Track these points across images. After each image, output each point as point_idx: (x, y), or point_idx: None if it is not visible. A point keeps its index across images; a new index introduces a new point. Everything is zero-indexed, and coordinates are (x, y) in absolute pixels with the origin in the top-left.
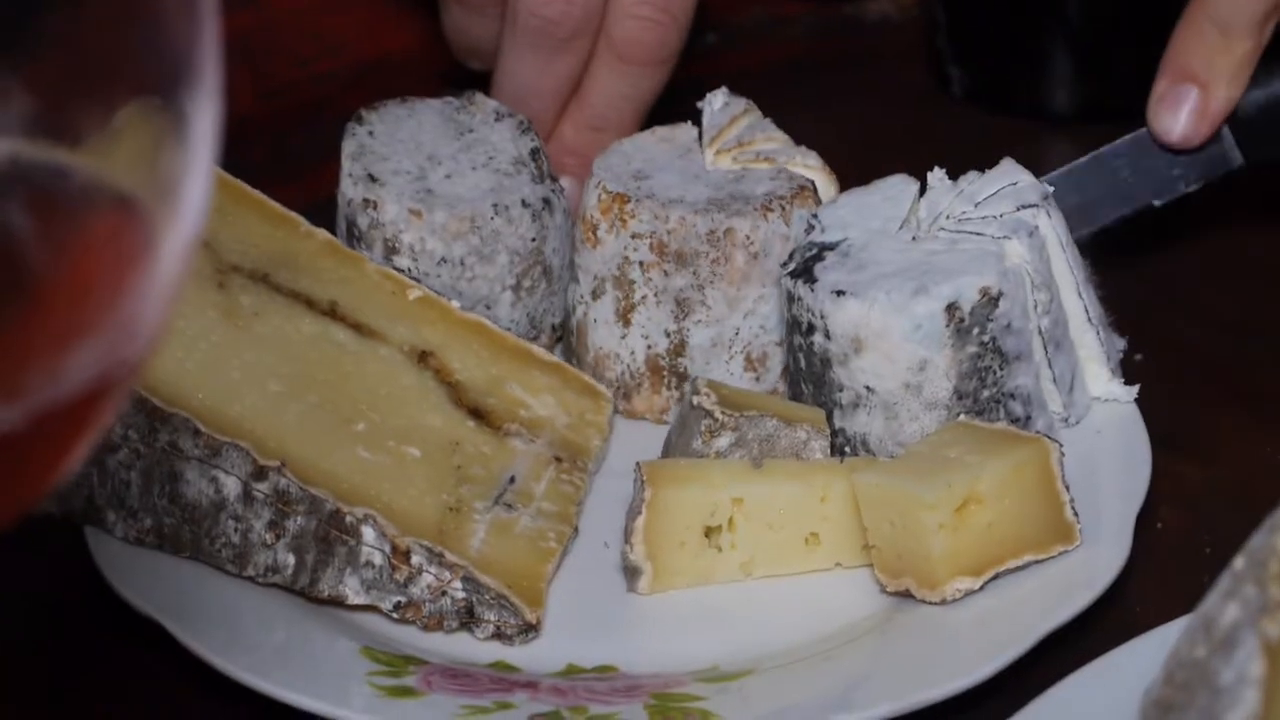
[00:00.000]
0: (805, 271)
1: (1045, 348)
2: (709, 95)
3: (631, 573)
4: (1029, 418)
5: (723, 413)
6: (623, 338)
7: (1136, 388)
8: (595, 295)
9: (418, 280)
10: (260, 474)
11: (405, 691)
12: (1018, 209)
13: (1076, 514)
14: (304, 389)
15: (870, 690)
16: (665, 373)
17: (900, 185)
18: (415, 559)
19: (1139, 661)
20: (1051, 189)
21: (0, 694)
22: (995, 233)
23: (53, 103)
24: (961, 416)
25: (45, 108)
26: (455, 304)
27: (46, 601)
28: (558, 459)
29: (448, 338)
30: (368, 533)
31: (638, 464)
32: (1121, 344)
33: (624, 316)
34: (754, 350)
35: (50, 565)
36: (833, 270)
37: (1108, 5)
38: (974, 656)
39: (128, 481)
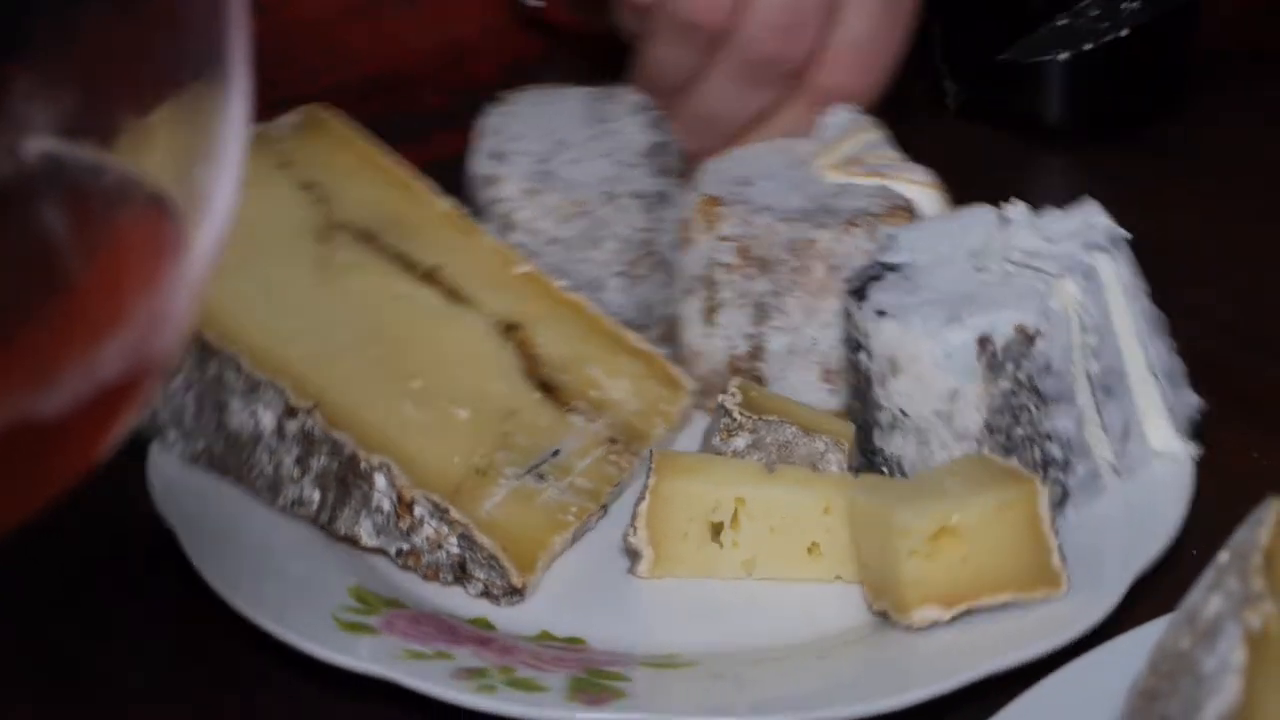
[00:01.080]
0: (860, 289)
1: (1093, 393)
2: (831, 110)
3: (632, 555)
4: (1067, 462)
5: (741, 413)
6: (707, 337)
7: (1196, 446)
8: (686, 293)
9: (532, 257)
10: (291, 413)
11: (361, 628)
12: (1083, 249)
13: (1065, 560)
14: (370, 342)
15: (800, 697)
16: (744, 375)
17: (980, 215)
18: (418, 510)
19: (1124, 659)
20: (1127, 235)
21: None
22: (1051, 270)
23: (86, 101)
24: (985, 450)
25: (79, 106)
26: (561, 283)
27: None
28: (612, 440)
29: (542, 313)
30: (379, 480)
31: (650, 450)
32: (1195, 402)
33: (709, 316)
34: (830, 362)
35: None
36: (885, 290)
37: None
38: (926, 677)
39: (184, 404)
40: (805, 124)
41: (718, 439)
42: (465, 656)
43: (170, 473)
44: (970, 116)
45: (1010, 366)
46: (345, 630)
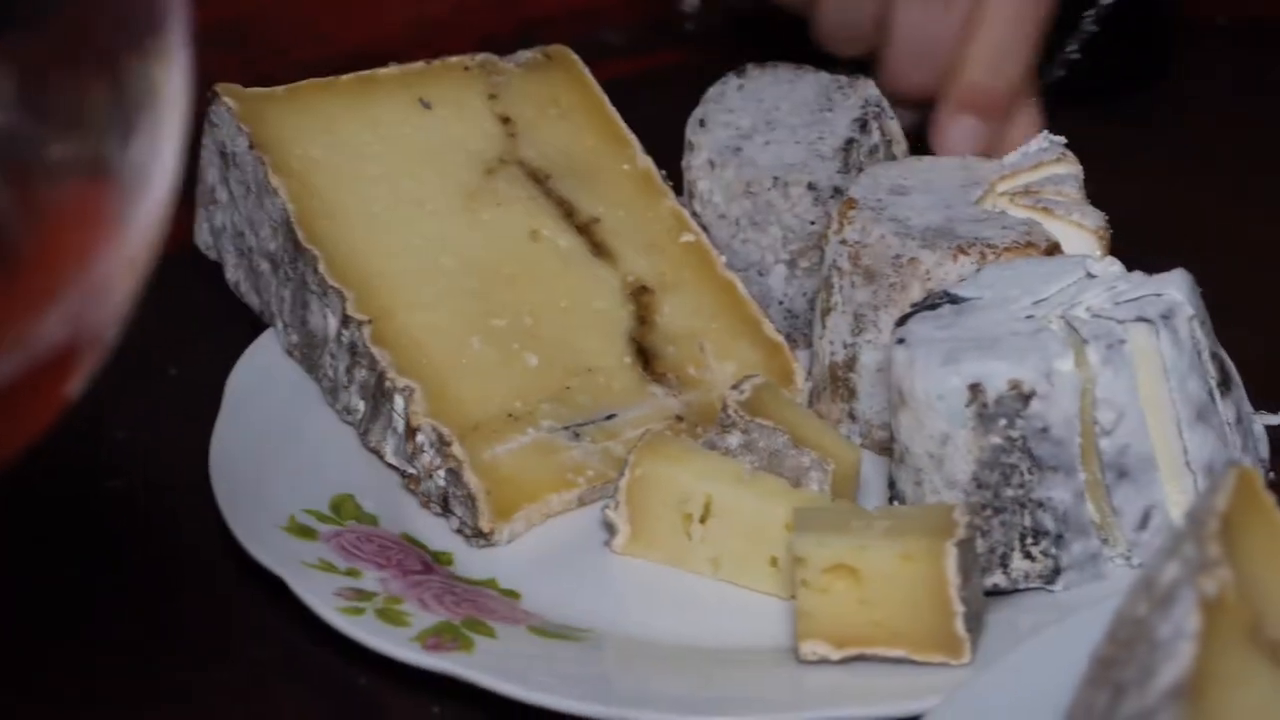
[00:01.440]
0: (909, 314)
1: (1101, 471)
2: (1033, 138)
3: (609, 528)
4: (1060, 536)
5: (737, 412)
6: (819, 338)
7: None
8: (818, 290)
9: (706, 229)
10: (346, 322)
11: (306, 532)
12: (1130, 319)
13: (975, 629)
14: (472, 274)
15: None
16: (840, 384)
17: (1069, 265)
18: (420, 438)
19: (1085, 632)
20: (1191, 314)
21: None
22: (1081, 334)
23: (25, 75)
24: (970, 501)
25: (17, 80)
26: (722, 259)
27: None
28: (679, 418)
29: (685, 284)
30: (398, 402)
31: (647, 429)
32: None
33: (823, 318)
34: None
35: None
36: (927, 320)
37: None
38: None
39: (283, 297)
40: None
41: (715, 432)
42: (371, 580)
43: (263, 359)
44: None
45: (1003, 422)
46: (288, 531)
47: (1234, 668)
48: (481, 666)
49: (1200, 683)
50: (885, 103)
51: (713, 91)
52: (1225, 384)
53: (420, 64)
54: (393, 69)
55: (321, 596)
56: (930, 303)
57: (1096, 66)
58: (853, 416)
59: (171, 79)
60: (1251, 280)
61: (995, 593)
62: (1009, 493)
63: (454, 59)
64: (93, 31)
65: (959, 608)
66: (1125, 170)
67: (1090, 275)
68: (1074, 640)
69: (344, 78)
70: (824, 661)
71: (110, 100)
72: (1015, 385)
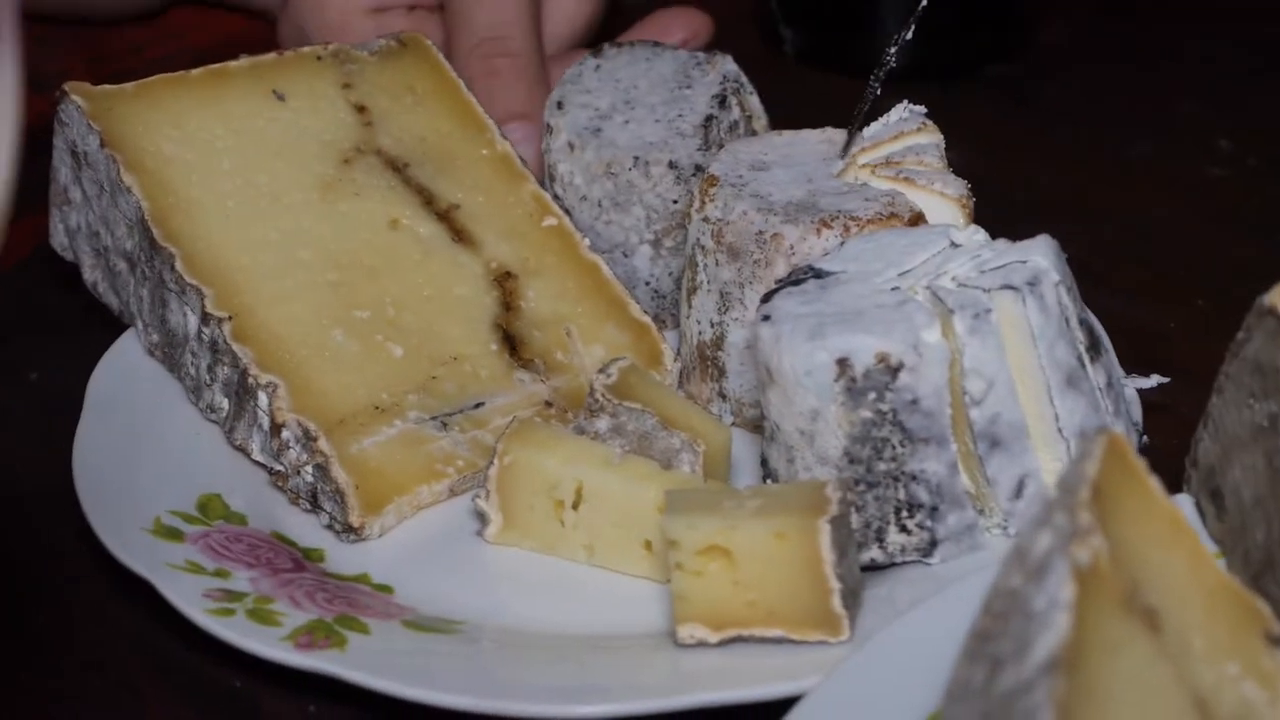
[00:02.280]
0: (774, 291)
1: (973, 442)
2: (896, 107)
3: (481, 518)
4: (935, 508)
5: (604, 396)
6: (686, 318)
7: None
8: (683, 269)
9: (568, 211)
10: (205, 320)
11: (172, 534)
12: (994, 287)
13: (852, 606)
14: (332, 266)
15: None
16: (709, 363)
17: (935, 235)
18: (285, 434)
19: (964, 604)
20: (1057, 280)
21: None
22: (947, 304)
23: None
24: (843, 477)
25: None
26: (585, 242)
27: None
28: (548, 404)
29: (548, 268)
30: (262, 399)
31: (514, 417)
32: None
33: (688, 298)
34: None
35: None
36: (791, 296)
37: None
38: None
39: (141, 296)
40: None
41: (583, 417)
42: (241, 580)
43: (124, 360)
44: (809, 62)
45: (872, 396)
46: (154, 534)
47: (1110, 636)
48: (355, 664)
49: (1077, 652)
50: (744, 78)
51: (570, 73)
52: (1095, 349)
53: (272, 55)
54: (244, 61)
55: (190, 598)
56: (795, 278)
57: (953, 41)
58: (723, 395)
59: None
60: (1113, 244)
61: (872, 568)
62: (882, 466)
63: (306, 49)
64: None
65: (835, 585)
66: (986, 143)
67: (954, 245)
68: (953, 612)
69: (195, 72)
70: (702, 645)
71: None
72: (883, 358)
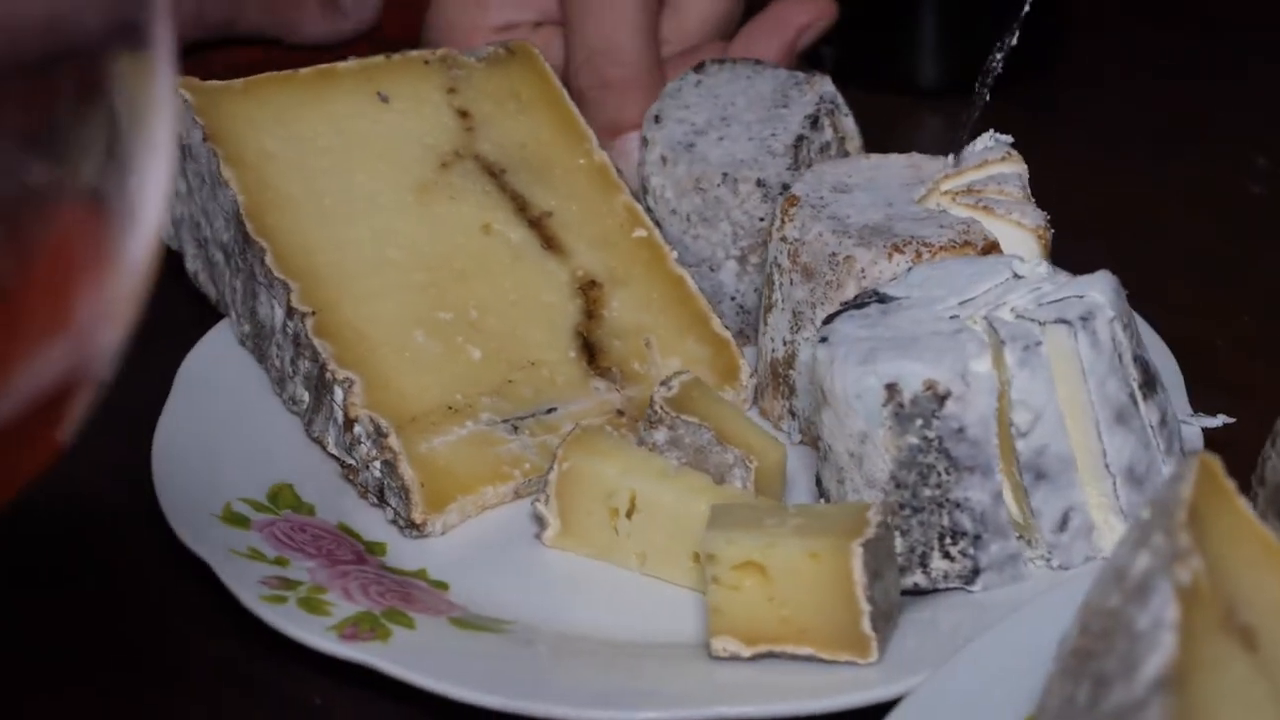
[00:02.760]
0: (839, 313)
1: (1019, 472)
2: (982, 135)
3: (540, 521)
4: (979, 537)
5: (663, 409)
6: (763, 334)
7: None
8: (765, 286)
9: (659, 224)
10: (290, 314)
11: (239, 521)
12: (1050, 321)
13: (883, 628)
14: (421, 266)
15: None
16: (781, 381)
17: (997, 265)
18: (358, 429)
19: (1045, 623)
20: (1112, 316)
21: None
22: (1000, 335)
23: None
24: (889, 501)
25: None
26: (673, 254)
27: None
28: (619, 413)
29: (635, 279)
30: (338, 394)
31: (576, 424)
32: None
33: (765, 315)
34: None
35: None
36: (853, 320)
37: None
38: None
39: (235, 287)
40: None
41: (643, 428)
42: (299, 570)
43: (216, 348)
44: (846, 78)
45: (919, 423)
46: (222, 519)
47: (1212, 655)
48: (394, 657)
49: (1182, 672)
50: (840, 99)
51: (670, 88)
52: (1149, 386)
53: (380, 58)
54: (352, 63)
55: (245, 584)
56: (859, 301)
57: (989, 52)
58: (793, 413)
59: (160, 103)
60: (1152, 260)
61: (915, 592)
62: (927, 492)
63: (415, 53)
64: (79, 59)
65: (865, 607)
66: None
67: (1017, 276)
68: (1020, 635)
69: (303, 71)
70: (734, 658)
71: (100, 128)
72: (930, 386)
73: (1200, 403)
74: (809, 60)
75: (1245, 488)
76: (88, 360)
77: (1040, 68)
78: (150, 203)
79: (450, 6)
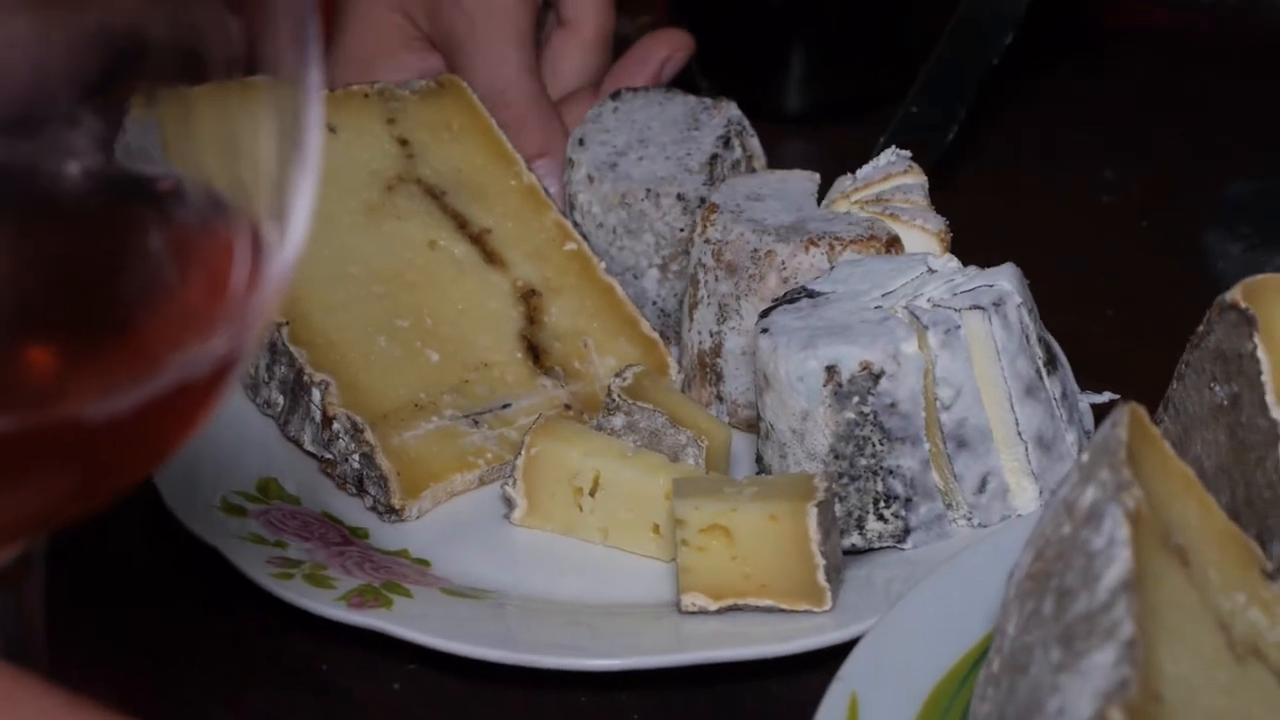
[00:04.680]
0: (775, 307)
1: (943, 441)
2: (885, 152)
3: (508, 502)
4: (909, 500)
5: (620, 397)
6: (688, 331)
7: None
8: (687, 288)
9: (586, 237)
10: None
11: (236, 510)
12: (966, 307)
13: (833, 580)
14: (377, 280)
15: (547, 642)
16: (708, 369)
17: (913, 261)
18: (336, 426)
19: (966, 571)
20: (1019, 302)
21: None
22: (923, 321)
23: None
24: (828, 470)
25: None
26: (601, 264)
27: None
28: (566, 406)
29: (568, 288)
30: (315, 395)
31: (540, 415)
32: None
33: (690, 312)
34: None
35: None
36: (788, 312)
37: (835, 18)
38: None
39: None
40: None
41: (601, 415)
42: (297, 551)
43: None
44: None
45: (855, 399)
46: (221, 510)
47: (1156, 569)
48: (400, 621)
49: (1136, 581)
50: (746, 122)
51: (591, 114)
52: (1052, 364)
53: (324, 92)
54: None
55: (255, 565)
56: (790, 297)
57: (851, 83)
58: (720, 398)
59: (314, 125)
60: (1026, 260)
61: (852, 552)
62: (863, 462)
63: (355, 87)
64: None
65: (820, 561)
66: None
67: (931, 270)
68: (953, 581)
69: None
70: (703, 611)
71: (255, 147)
72: (866, 366)
73: (1082, 384)
74: (690, 90)
75: None
76: (247, 339)
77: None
78: (302, 216)
79: (339, 70)
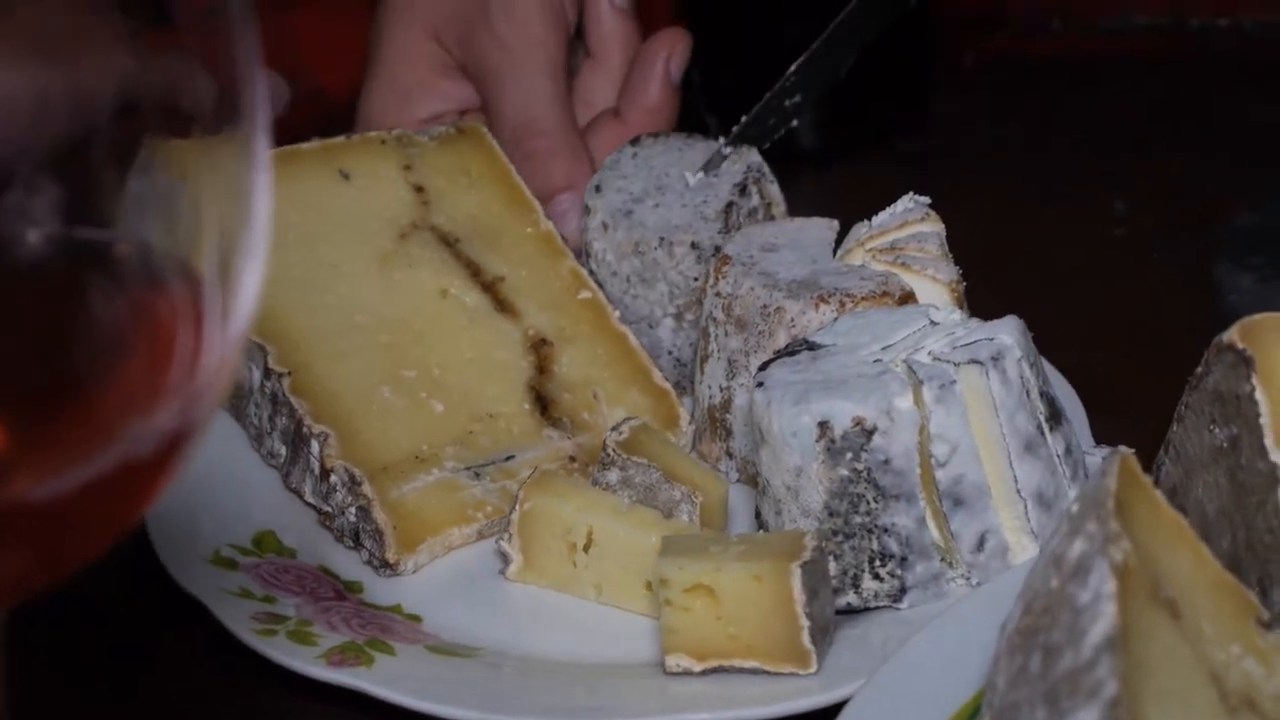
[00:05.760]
0: (773, 360)
1: (939, 499)
2: (902, 198)
3: (503, 557)
4: (905, 558)
5: (615, 451)
6: (699, 383)
7: None
8: (700, 339)
9: (601, 285)
10: (268, 374)
11: (227, 563)
12: (964, 362)
13: (820, 642)
14: (384, 329)
15: (536, 703)
16: (719, 424)
17: (915, 314)
18: (333, 478)
19: (976, 616)
20: (1020, 356)
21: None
22: (919, 375)
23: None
24: (823, 529)
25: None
26: (616, 313)
27: None
28: (571, 459)
29: (581, 337)
30: (314, 446)
31: (535, 468)
32: None
33: (701, 365)
34: None
35: None
36: (786, 365)
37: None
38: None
39: None
40: None
41: (596, 469)
42: (287, 606)
43: None
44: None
45: (849, 455)
46: (212, 563)
47: (1145, 623)
48: (379, 680)
49: (1122, 637)
50: (766, 169)
51: (609, 160)
52: (1055, 419)
53: (342, 138)
54: (314, 144)
55: (238, 620)
56: (790, 350)
57: (860, 119)
58: (730, 454)
59: (260, 181)
60: (1034, 300)
61: (848, 611)
62: (857, 519)
63: (373, 134)
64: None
65: (805, 623)
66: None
67: (933, 323)
68: (942, 638)
69: (270, 152)
70: (687, 673)
71: (200, 210)
72: (859, 421)
73: (1091, 423)
74: (699, 127)
75: None
76: (201, 411)
77: (909, 128)
78: (252, 283)
79: (377, 101)
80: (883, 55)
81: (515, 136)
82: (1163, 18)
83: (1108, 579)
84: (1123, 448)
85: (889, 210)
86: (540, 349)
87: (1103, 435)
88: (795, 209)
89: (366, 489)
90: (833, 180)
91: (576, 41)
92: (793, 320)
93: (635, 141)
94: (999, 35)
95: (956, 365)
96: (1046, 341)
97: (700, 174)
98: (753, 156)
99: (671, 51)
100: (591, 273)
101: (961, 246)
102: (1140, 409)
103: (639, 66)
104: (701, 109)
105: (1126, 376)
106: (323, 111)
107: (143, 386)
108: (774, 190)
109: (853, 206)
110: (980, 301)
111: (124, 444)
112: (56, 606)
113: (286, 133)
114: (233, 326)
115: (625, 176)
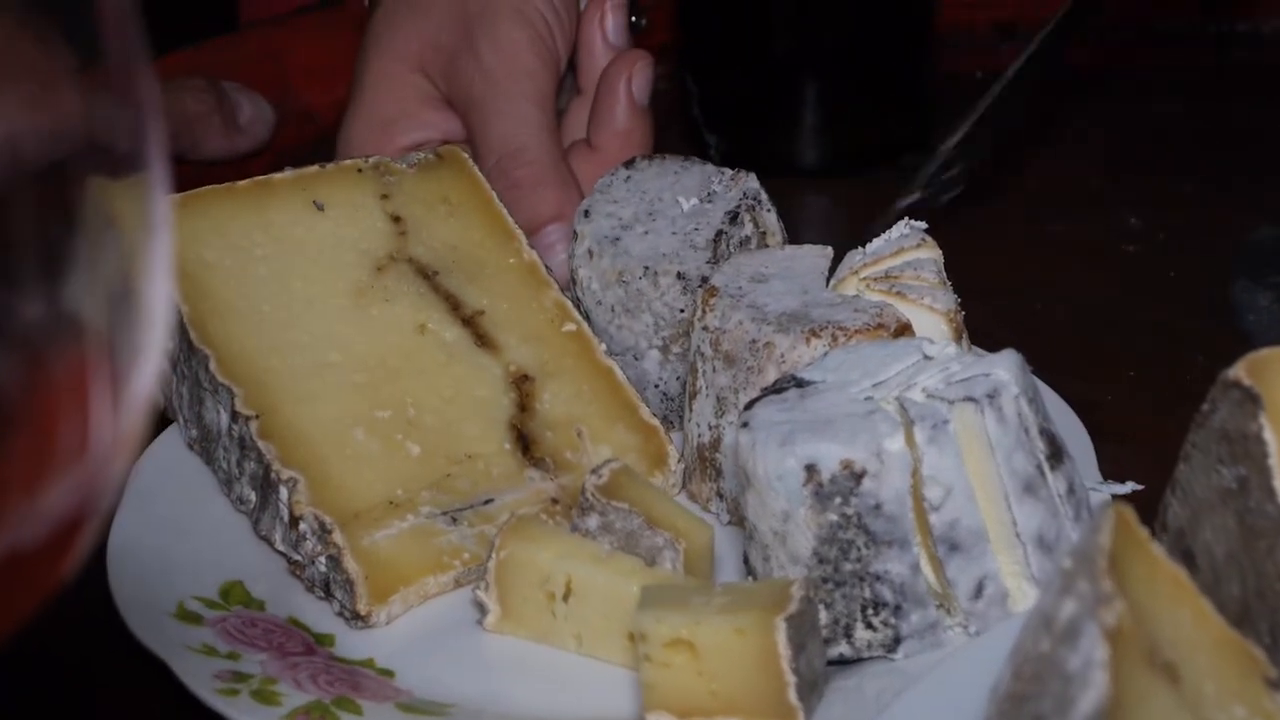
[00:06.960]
0: (759, 399)
1: (933, 545)
2: (898, 224)
3: (480, 607)
4: (899, 607)
5: (594, 496)
6: (689, 420)
7: None
8: (689, 374)
9: (587, 315)
10: (235, 417)
11: (192, 618)
12: (958, 399)
13: (808, 696)
14: (359, 367)
15: None
16: (708, 464)
17: (908, 347)
18: (303, 526)
19: (973, 672)
20: (1017, 392)
21: None
22: (911, 415)
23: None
24: (812, 577)
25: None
26: (602, 346)
27: None
28: (554, 501)
29: (565, 371)
30: (283, 493)
31: (512, 514)
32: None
33: (690, 401)
34: None
35: None
36: (772, 404)
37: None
38: None
39: (181, 394)
40: None
41: (576, 514)
42: (251, 663)
43: (166, 452)
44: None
45: (838, 500)
46: (175, 616)
47: (1139, 690)
48: None
49: (1114, 707)
50: (764, 196)
51: (601, 183)
52: (1055, 457)
53: (315, 167)
54: (288, 174)
55: (200, 679)
56: (778, 387)
57: (869, 131)
58: (720, 495)
59: (158, 228)
60: (1040, 320)
61: (841, 661)
62: (848, 567)
63: (348, 162)
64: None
65: (791, 678)
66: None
67: (927, 357)
68: (940, 691)
69: (241, 183)
70: None
71: (100, 255)
72: (847, 465)
73: (1100, 454)
74: (697, 148)
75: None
76: (97, 490)
77: (918, 143)
78: (154, 331)
79: (359, 129)
80: (889, 70)
81: (501, 165)
82: (1177, 25)
83: (1099, 644)
84: (1130, 484)
85: (884, 236)
86: (522, 385)
87: (1112, 468)
88: (796, 228)
89: (337, 537)
90: (837, 194)
91: (567, 78)
92: (783, 355)
93: (630, 164)
94: (1008, 47)
95: (950, 403)
96: (1053, 368)
97: (694, 200)
98: (750, 182)
99: (630, 73)
100: (577, 301)
101: (964, 267)
102: (1153, 439)
103: (601, 93)
104: (702, 129)
105: (1138, 403)
106: (317, 134)
107: (29, 466)
108: (770, 219)
109: (857, 216)
110: (984, 326)
111: (6, 529)
112: (2, 662)
113: (285, 155)
114: (129, 398)
115: (616, 201)
